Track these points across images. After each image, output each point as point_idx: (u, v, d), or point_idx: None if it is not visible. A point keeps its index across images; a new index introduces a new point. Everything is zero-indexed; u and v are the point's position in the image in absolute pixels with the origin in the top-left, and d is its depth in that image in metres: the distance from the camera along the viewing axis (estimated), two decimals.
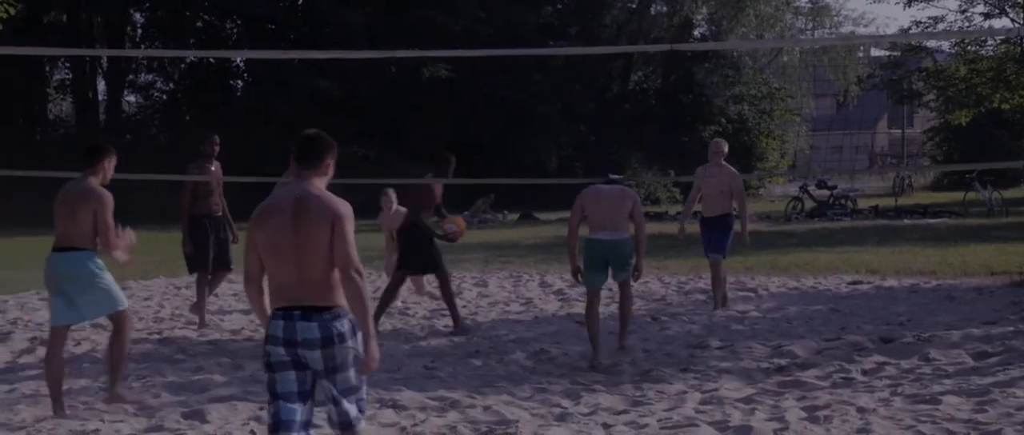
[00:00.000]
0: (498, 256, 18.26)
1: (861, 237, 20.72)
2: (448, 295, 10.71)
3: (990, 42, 31.96)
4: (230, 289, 13.25)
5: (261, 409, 7.26)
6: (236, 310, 12.07)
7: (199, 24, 38.81)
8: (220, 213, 11.19)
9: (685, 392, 7.78)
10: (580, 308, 12.22)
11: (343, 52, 26.66)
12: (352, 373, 4.84)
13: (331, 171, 5.00)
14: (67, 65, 38.19)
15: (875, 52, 46.73)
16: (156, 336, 10.59)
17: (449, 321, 10.89)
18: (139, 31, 39.52)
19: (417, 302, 12.42)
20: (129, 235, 7.47)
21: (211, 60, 37.47)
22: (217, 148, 11.11)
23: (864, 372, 8.29)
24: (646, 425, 6.80)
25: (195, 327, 10.95)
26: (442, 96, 35.09)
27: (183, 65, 38.12)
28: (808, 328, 10.51)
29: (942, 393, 7.45)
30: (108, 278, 7.34)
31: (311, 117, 32.68)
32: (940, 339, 9.45)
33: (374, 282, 13.61)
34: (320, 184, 4.92)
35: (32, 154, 31.90)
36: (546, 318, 11.62)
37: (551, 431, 6.63)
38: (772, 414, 7.00)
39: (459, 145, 23.77)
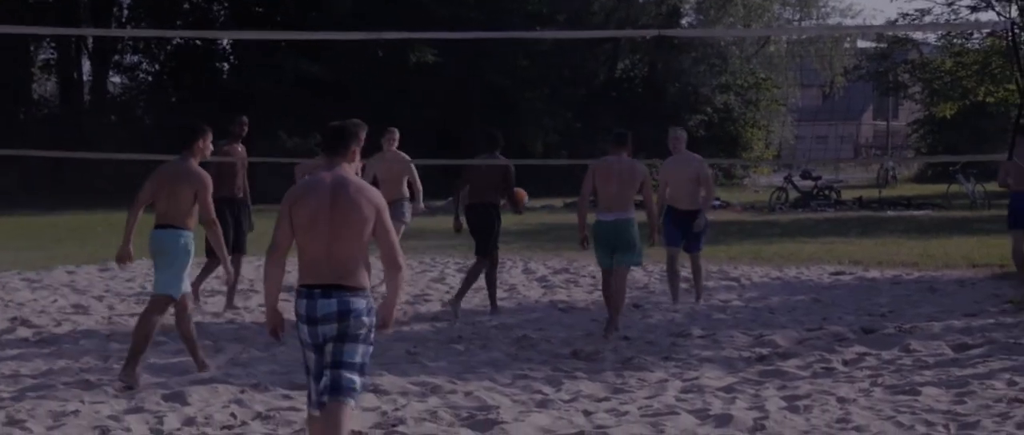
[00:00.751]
0: None
1: (844, 228, 20.76)
2: (492, 280, 11.03)
3: (976, 35, 32.08)
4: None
5: (242, 392, 7.26)
6: (218, 293, 12.04)
7: (186, 5, 38.58)
8: (242, 195, 11.17)
9: (666, 380, 7.80)
10: (563, 295, 12.28)
11: (329, 33, 26.49)
12: (360, 349, 5.14)
13: (357, 157, 5.45)
14: (52, 45, 37.93)
15: (862, 43, 46.92)
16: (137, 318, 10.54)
17: (431, 307, 11.03)
18: (125, 12, 39.27)
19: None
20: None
21: (197, 42, 37.32)
22: (246, 129, 11.11)
23: (845, 362, 8.32)
24: (627, 412, 6.82)
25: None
26: (428, 81, 35.01)
27: (169, 46, 37.95)
28: (790, 318, 10.53)
29: (922, 384, 7.47)
30: (186, 264, 7.66)
31: (297, 100, 32.71)
32: (921, 330, 9.49)
33: None
34: (349, 170, 5.34)
35: (14, 133, 31.69)
36: (529, 305, 11.63)
37: (532, 417, 6.64)
38: (753, 403, 7.02)
39: (445, 130, 23.69)
